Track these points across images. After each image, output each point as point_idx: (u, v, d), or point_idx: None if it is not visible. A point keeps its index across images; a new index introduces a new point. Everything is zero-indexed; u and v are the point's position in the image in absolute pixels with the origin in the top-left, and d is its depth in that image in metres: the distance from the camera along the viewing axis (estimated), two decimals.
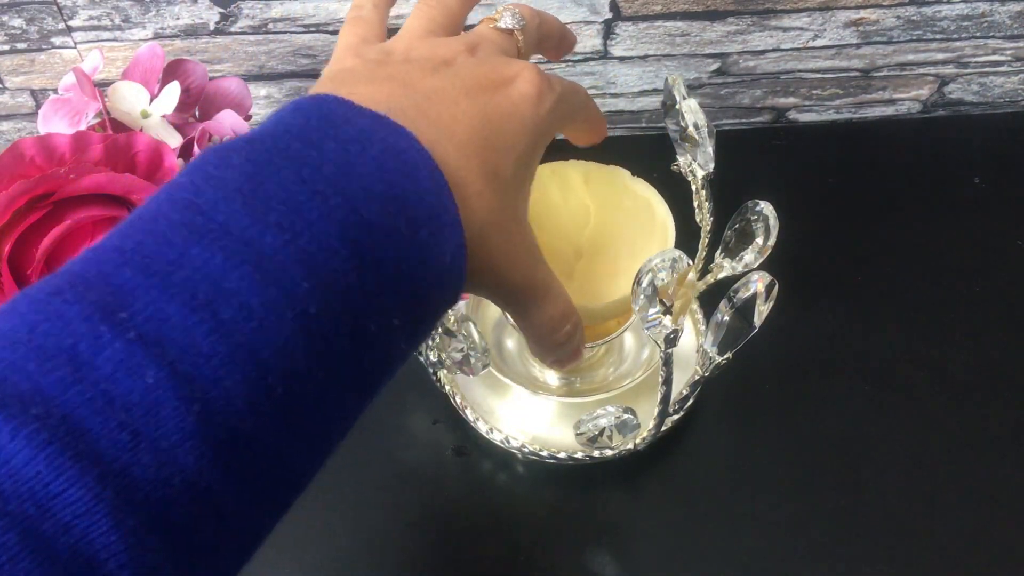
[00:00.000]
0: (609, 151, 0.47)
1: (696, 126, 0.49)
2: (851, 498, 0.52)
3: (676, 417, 0.51)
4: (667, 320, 0.40)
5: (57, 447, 0.20)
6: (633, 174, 0.50)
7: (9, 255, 0.46)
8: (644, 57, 0.68)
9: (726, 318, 0.43)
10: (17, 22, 0.65)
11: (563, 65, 0.69)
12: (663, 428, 0.50)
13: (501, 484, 0.53)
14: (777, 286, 0.43)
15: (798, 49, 0.68)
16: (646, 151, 0.54)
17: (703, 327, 0.58)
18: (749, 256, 0.49)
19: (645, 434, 0.50)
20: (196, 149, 0.51)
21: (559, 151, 0.54)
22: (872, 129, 0.74)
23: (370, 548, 0.50)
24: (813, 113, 0.74)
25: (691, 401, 0.50)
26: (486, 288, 0.33)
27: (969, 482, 0.52)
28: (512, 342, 0.58)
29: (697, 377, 0.47)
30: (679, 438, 0.54)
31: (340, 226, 0.25)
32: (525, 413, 0.55)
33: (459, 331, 0.46)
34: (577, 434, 0.49)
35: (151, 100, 0.52)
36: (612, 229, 0.52)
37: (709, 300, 0.53)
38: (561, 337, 0.36)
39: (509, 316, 0.36)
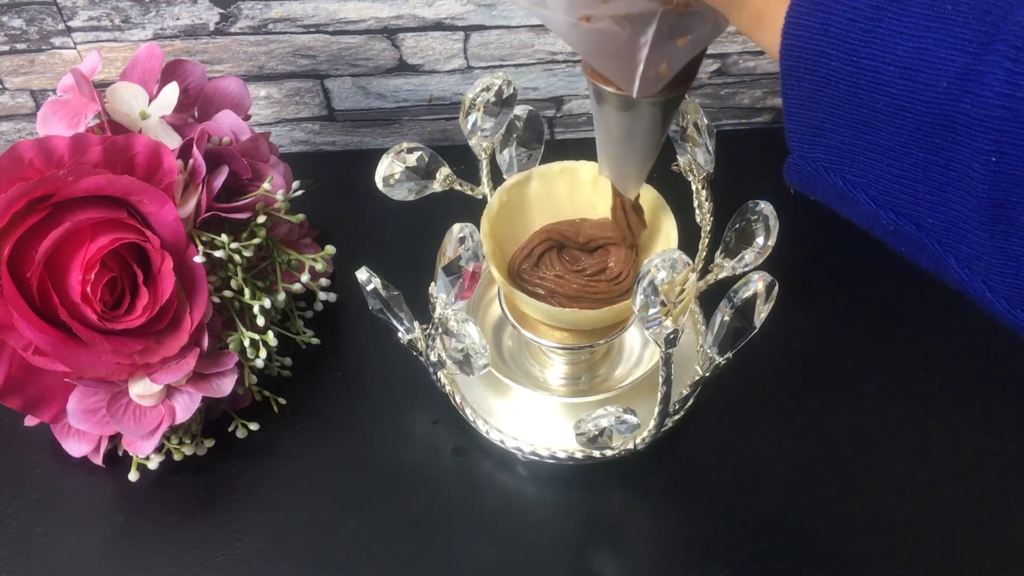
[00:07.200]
0: None
1: (696, 126, 0.49)
2: (851, 498, 0.52)
3: (676, 417, 0.51)
4: (667, 320, 0.40)
5: None
6: None
7: (8, 257, 0.46)
8: None
9: (726, 318, 0.43)
10: (17, 22, 0.65)
11: (564, 66, 0.69)
12: (663, 428, 0.50)
13: (501, 484, 0.53)
14: (777, 286, 0.43)
15: None
16: None
17: (703, 327, 0.58)
18: (749, 256, 0.49)
19: (645, 434, 0.50)
20: (195, 150, 0.51)
21: (569, 152, 0.54)
22: None
23: (370, 548, 0.51)
24: None
25: (691, 401, 0.49)
26: None
27: (969, 482, 0.52)
28: (512, 342, 0.58)
29: (697, 377, 0.47)
30: (679, 438, 0.54)
31: None
32: (525, 413, 0.55)
33: (459, 331, 0.46)
34: (577, 434, 0.49)
35: (150, 101, 0.52)
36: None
37: (709, 300, 0.53)
38: None
39: None
